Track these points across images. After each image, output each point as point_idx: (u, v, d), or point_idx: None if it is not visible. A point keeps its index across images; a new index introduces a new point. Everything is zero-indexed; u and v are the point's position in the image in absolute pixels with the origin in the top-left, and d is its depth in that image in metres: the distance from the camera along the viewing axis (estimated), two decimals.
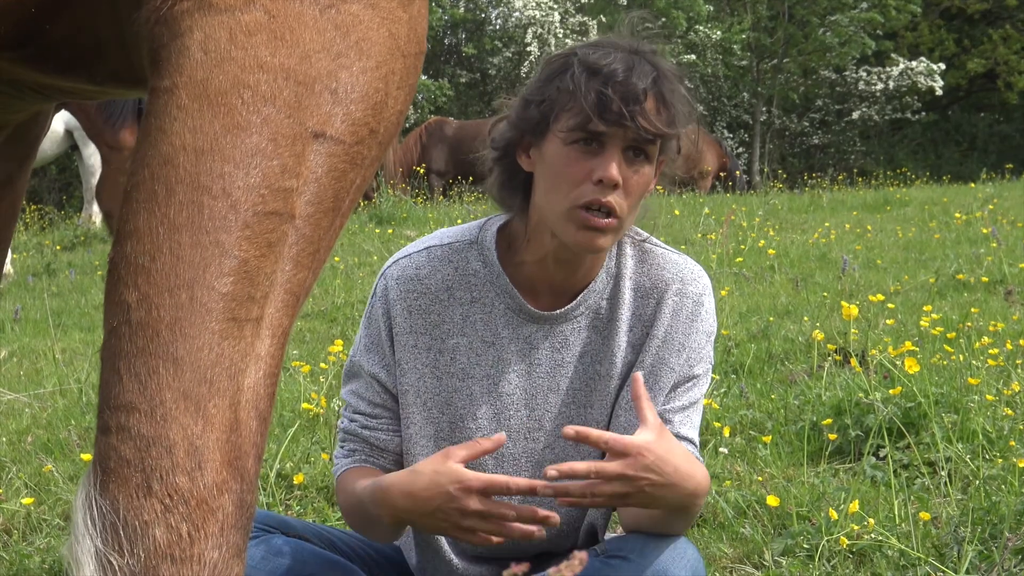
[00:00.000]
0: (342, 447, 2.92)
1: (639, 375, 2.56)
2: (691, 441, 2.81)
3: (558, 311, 2.84)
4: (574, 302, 2.85)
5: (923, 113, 37.74)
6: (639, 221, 2.87)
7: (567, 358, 2.87)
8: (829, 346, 6.29)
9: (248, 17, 1.67)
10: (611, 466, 2.42)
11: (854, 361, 5.25)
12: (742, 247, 12.05)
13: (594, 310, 2.86)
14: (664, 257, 2.90)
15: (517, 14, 32.52)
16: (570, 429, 2.41)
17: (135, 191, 1.65)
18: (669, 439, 2.51)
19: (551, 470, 2.40)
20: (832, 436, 4.75)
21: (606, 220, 2.65)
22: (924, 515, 3.72)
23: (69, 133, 15.47)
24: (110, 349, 1.63)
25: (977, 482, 4.05)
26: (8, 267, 12.53)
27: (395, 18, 1.81)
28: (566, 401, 2.87)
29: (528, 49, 31.39)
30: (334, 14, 1.73)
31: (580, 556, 1.09)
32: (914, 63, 34.79)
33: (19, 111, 2.24)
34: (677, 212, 15.86)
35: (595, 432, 2.43)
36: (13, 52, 1.93)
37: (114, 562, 1.54)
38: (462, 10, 34.53)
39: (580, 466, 2.42)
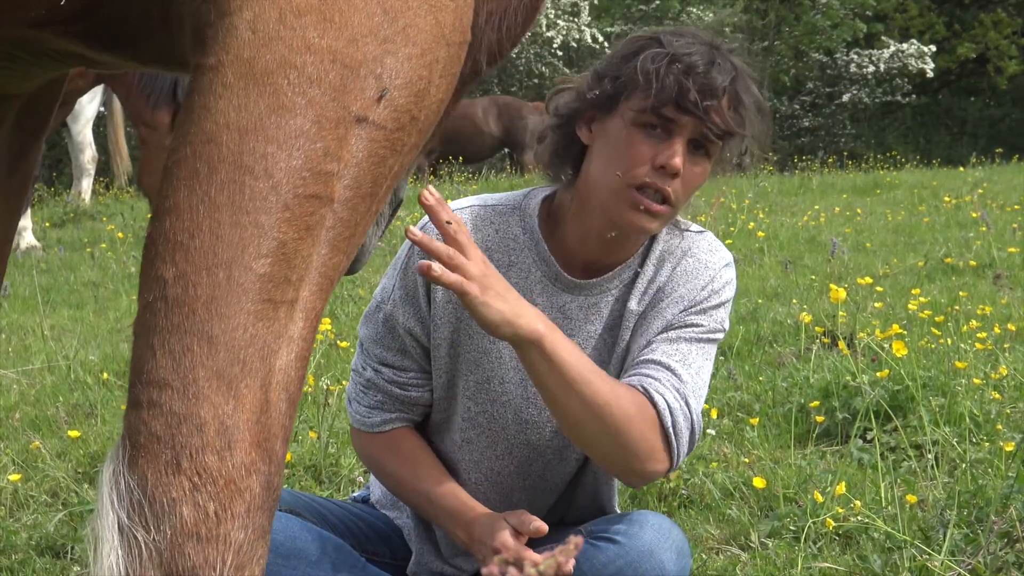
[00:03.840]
0: (365, 394, 2.93)
1: None
2: (670, 369, 2.72)
3: (593, 280, 2.85)
4: (609, 274, 2.86)
5: (913, 96, 37.71)
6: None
7: (597, 329, 2.88)
8: (817, 329, 6.30)
9: None
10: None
11: (842, 344, 5.25)
12: (732, 229, 12.05)
13: (625, 283, 2.87)
14: (689, 234, 2.92)
15: None
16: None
17: (176, 168, 1.65)
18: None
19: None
20: (819, 418, 4.76)
21: (660, 206, 2.67)
22: (910, 498, 3.73)
23: None
24: (144, 324, 1.63)
25: (964, 465, 4.06)
26: (32, 240, 12.49)
27: (442, 6, 1.80)
28: None
29: None
30: None
31: (576, 540, 1.09)
32: (905, 46, 34.74)
33: (35, 78, 2.24)
34: None
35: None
36: (72, 26, 1.94)
37: (139, 537, 1.55)
38: None
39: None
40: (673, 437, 2.68)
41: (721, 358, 6.23)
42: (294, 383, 1.68)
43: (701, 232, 2.94)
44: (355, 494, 3.38)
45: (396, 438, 2.91)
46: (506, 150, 22.58)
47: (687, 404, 2.71)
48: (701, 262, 2.86)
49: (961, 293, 7.64)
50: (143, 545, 1.54)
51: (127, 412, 1.63)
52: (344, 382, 5.74)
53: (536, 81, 31.67)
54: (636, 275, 2.87)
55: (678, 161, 2.64)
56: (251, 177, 1.61)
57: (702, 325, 2.82)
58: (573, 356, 2.56)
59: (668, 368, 2.72)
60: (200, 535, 1.55)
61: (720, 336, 2.87)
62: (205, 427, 1.57)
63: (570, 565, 1.11)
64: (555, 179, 2.88)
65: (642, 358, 2.77)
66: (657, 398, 2.66)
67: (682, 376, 2.73)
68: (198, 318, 1.59)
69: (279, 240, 1.63)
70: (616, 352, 2.87)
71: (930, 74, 34.53)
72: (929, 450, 4.33)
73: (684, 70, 2.64)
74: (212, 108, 1.64)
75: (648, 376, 2.71)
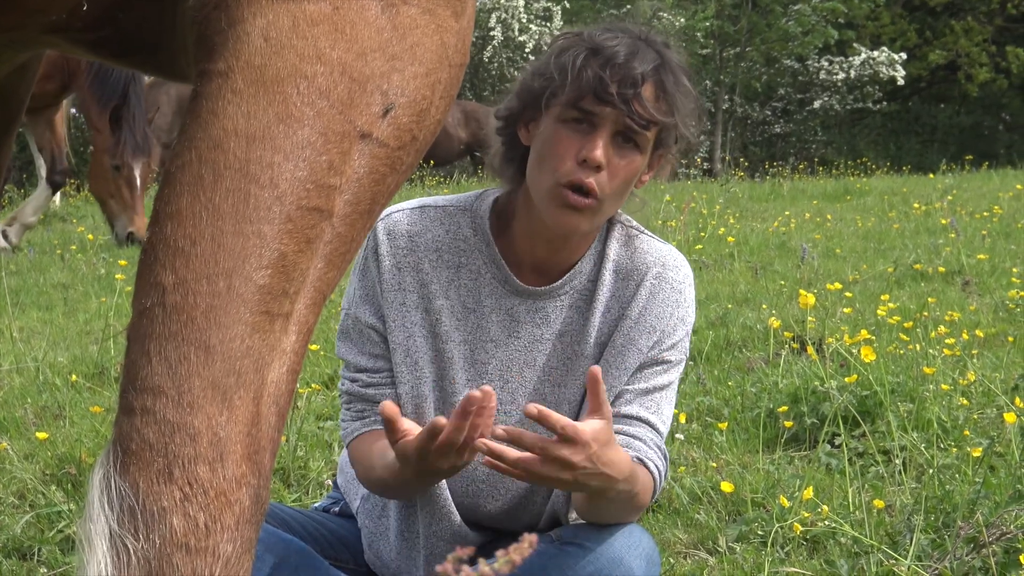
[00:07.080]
0: (348, 409, 2.90)
1: (597, 369, 2.48)
2: (649, 424, 2.78)
3: (543, 288, 2.84)
4: (560, 281, 2.84)
5: (884, 103, 37.92)
6: (635, 213, 2.87)
7: (546, 335, 2.86)
8: (786, 334, 6.33)
9: (313, 7, 1.66)
10: (557, 449, 2.39)
11: (811, 349, 5.27)
12: (702, 234, 12.09)
13: (578, 290, 2.86)
14: (649, 243, 2.89)
15: None
16: (533, 408, 2.36)
17: (180, 172, 1.63)
18: (612, 433, 2.50)
19: (500, 429, 2.39)
20: (788, 423, 4.77)
21: (586, 200, 2.64)
22: (878, 503, 3.74)
23: None
24: (140, 330, 1.61)
25: (931, 471, 4.08)
26: (1, 241, 12.48)
27: (447, 27, 1.81)
28: (541, 379, 2.86)
29: (492, 34, 31.32)
30: (394, 14, 1.72)
31: (530, 539, 1.08)
32: (876, 53, 34.92)
33: (4, 61, 2.22)
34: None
35: (555, 416, 2.39)
36: (87, 34, 1.94)
37: (129, 545, 1.53)
38: None
39: (528, 437, 2.40)
40: (658, 490, 2.81)
41: (691, 363, 6.24)
42: (284, 397, 1.67)
43: (655, 238, 2.93)
44: (316, 504, 3.36)
45: (373, 435, 2.87)
46: (475, 153, 22.62)
47: (663, 454, 2.82)
48: (668, 282, 2.84)
49: (930, 299, 7.68)
50: (132, 553, 1.53)
51: (118, 418, 1.61)
52: (313, 385, 5.74)
53: (508, 86, 31.71)
54: (593, 286, 2.87)
55: (599, 154, 2.62)
56: (256, 186, 1.60)
57: (670, 361, 2.85)
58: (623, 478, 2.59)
59: (647, 424, 2.80)
60: (189, 546, 1.54)
61: (683, 365, 2.93)
62: (198, 437, 1.56)
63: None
64: (503, 181, 2.88)
65: (624, 412, 2.81)
66: (651, 467, 2.75)
67: (658, 427, 2.81)
68: (196, 326, 1.58)
69: (280, 252, 1.62)
70: (577, 369, 2.87)
71: (901, 82, 34.73)
72: (897, 455, 4.35)
73: (603, 62, 2.62)
74: (220, 114, 1.63)
75: (635, 438, 2.77)
